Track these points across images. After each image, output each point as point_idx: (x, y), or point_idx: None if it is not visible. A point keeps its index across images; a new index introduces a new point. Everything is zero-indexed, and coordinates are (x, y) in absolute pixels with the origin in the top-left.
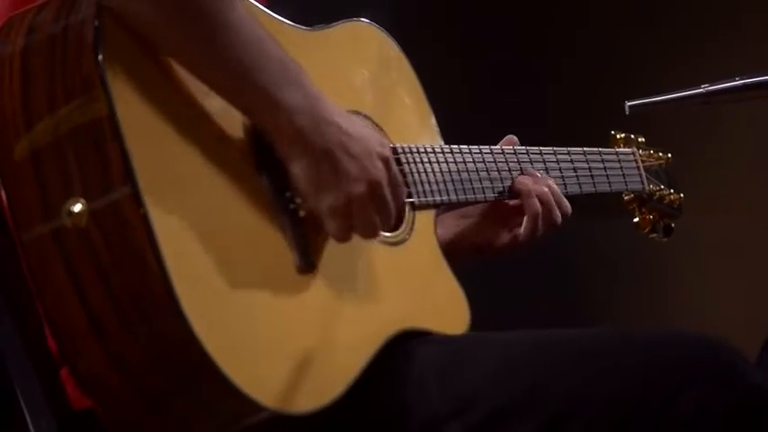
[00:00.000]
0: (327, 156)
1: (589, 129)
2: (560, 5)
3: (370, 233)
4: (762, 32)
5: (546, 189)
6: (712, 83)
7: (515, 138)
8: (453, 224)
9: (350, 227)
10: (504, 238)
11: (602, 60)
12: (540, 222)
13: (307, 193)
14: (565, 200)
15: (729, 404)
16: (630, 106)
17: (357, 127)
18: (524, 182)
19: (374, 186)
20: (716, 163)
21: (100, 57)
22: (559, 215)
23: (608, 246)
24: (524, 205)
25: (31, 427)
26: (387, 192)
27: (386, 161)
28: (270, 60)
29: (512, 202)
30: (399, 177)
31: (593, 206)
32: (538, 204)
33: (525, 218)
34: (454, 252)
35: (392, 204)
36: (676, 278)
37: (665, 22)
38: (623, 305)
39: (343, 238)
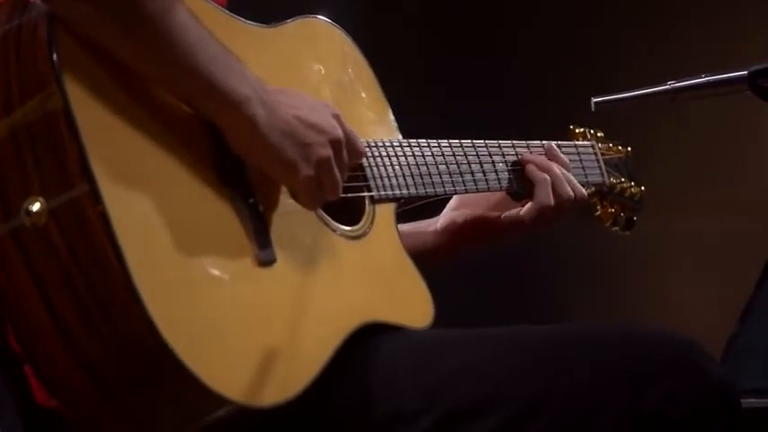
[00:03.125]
0: (286, 133)
1: (555, 126)
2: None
3: (336, 193)
4: (729, 29)
5: (557, 169)
6: (678, 79)
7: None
8: (475, 206)
9: (322, 193)
10: (515, 213)
11: (568, 57)
12: (550, 196)
13: (278, 176)
14: (578, 185)
15: (694, 400)
16: (596, 102)
17: (301, 97)
18: (533, 158)
19: (336, 145)
20: (680, 163)
21: (54, 55)
22: (569, 189)
23: (574, 245)
24: (533, 176)
25: None
26: (344, 146)
27: (337, 117)
28: (213, 54)
29: None
30: (352, 130)
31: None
32: (546, 176)
33: (535, 187)
34: (470, 233)
35: (348, 159)
36: (640, 278)
37: (632, 17)
38: (587, 305)
39: (318, 205)
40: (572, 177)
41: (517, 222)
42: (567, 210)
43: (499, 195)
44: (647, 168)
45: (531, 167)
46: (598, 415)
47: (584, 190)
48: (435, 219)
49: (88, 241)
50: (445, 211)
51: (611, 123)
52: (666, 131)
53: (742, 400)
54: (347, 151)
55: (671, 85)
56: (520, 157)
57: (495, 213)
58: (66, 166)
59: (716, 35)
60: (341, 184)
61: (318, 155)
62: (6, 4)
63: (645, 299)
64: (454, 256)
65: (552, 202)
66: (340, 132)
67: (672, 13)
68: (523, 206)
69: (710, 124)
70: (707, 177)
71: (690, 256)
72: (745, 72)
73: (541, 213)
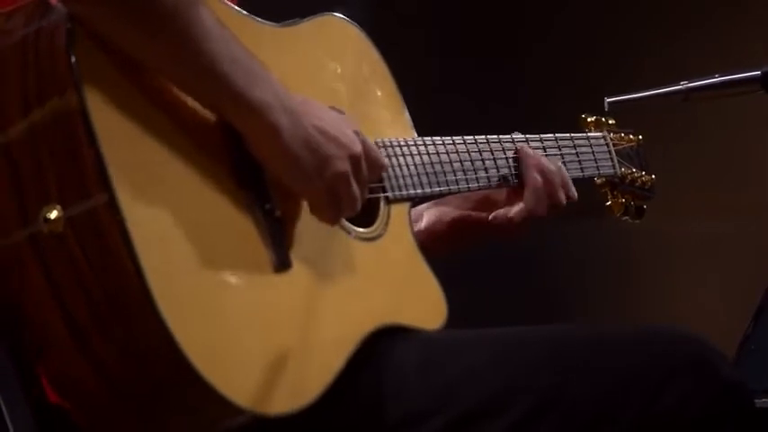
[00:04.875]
0: (307, 144)
1: (568, 122)
2: None
3: (354, 209)
4: (742, 30)
5: (553, 167)
6: (691, 79)
7: None
8: (456, 205)
9: (337, 208)
10: (504, 215)
11: (582, 52)
12: (540, 197)
13: (295, 187)
14: (572, 186)
15: (709, 401)
16: (609, 102)
17: (324, 109)
18: (528, 154)
19: (355, 160)
20: (692, 164)
21: (73, 60)
22: (563, 195)
23: (584, 244)
24: (526, 177)
25: (6, 416)
26: (364, 162)
27: (357, 132)
28: (238, 59)
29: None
30: (373, 144)
31: (568, 205)
32: (539, 178)
33: (525, 190)
34: (457, 233)
35: (368, 174)
36: (651, 279)
37: (646, 15)
38: (598, 306)
39: (336, 220)
40: (568, 180)
41: (507, 224)
42: (556, 213)
43: (481, 192)
44: (658, 170)
45: (529, 170)
46: (611, 417)
47: (575, 192)
48: (414, 216)
49: (105, 250)
50: (423, 208)
51: (623, 124)
52: (679, 133)
53: (756, 401)
54: (367, 166)
55: (684, 84)
56: (519, 154)
57: (484, 213)
58: (84, 175)
59: (729, 35)
60: (359, 200)
61: (335, 168)
62: (25, 8)
63: (656, 300)
64: (438, 254)
65: (544, 209)
66: (359, 148)
67: (686, 13)
68: (511, 206)
69: (723, 126)
70: (719, 179)
71: (701, 257)
72: (759, 72)
73: (531, 216)
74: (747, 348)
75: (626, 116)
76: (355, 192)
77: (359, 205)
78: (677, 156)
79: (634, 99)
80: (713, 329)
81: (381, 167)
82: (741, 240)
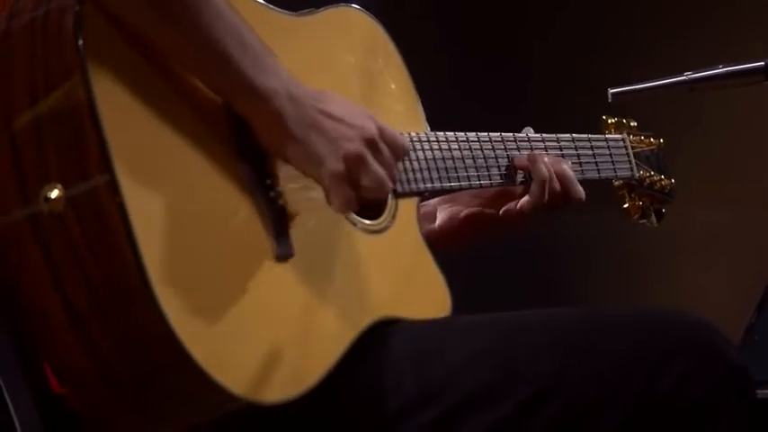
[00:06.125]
0: (312, 128)
1: (573, 117)
2: None
3: (380, 189)
4: (741, 28)
5: (563, 167)
6: (695, 70)
7: None
8: (467, 202)
9: (356, 191)
10: (512, 211)
11: (586, 47)
12: (546, 191)
13: (308, 172)
14: (578, 185)
15: (710, 383)
16: (613, 93)
17: (333, 96)
18: (533, 153)
19: (369, 140)
20: (697, 153)
21: (80, 42)
22: (559, 186)
23: (590, 234)
24: (532, 171)
25: (11, 407)
26: (382, 143)
27: (371, 116)
28: (247, 46)
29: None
30: (390, 128)
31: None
32: (545, 170)
33: (532, 184)
34: (470, 229)
35: (391, 154)
36: (659, 267)
37: (650, 7)
38: (605, 294)
39: (351, 205)
40: (573, 178)
41: (518, 217)
42: (560, 207)
43: (493, 190)
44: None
45: (537, 164)
46: (613, 398)
47: (582, 192)
48: (427, 213)
49: (105, 232)
50: (435, 205)
51: (629, 115)
52: (683, 123)
53: (758, 391)
54: (388, 148)
55: (688, 75)
56: (526, 154)
57: (493, 209)
58: (86, 156)
59: (731, 35)
60: (385, 181)
61: (347, 149)
62: None
63: (660, 289)
64: (452, 251)
65: (551, 199)
66: (373, 129)
67: (687, 12)
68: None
69: (728, 115)
70: (725, 169)
71: (706, 247)
72: (762, 63)
73: (539, 206)
74: (750, 339)
75: (629, 108)
76: (378, 172)
77: (387, 185)
78: (682, 146)
79: (638, 90)
80: (718, 318)
81: (403, 147)
82: (746, 231)
